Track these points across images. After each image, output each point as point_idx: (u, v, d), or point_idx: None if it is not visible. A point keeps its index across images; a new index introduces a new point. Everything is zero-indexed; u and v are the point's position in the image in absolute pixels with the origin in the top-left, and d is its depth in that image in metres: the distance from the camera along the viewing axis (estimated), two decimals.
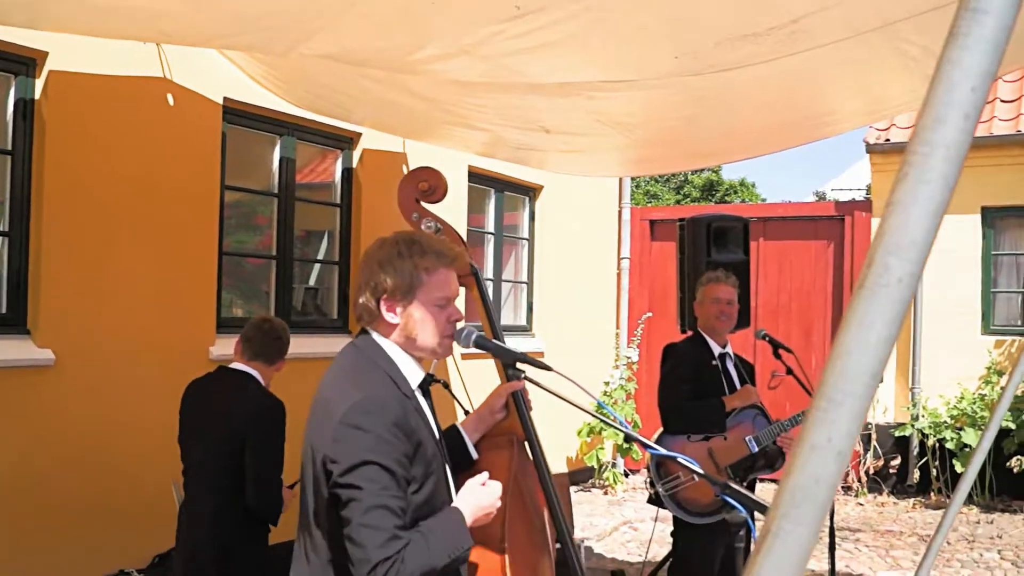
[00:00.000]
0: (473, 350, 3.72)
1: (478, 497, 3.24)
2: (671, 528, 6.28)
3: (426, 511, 3.08)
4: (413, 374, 3.25)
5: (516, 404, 3.89)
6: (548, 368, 3.60)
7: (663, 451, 3.65)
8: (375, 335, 3.26)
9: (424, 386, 3.33)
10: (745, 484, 5.92)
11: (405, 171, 9.39)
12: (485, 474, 3.34)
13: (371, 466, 2.89)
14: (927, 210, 1.62)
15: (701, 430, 5.94)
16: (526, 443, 3.89)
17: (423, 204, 4.36)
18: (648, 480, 6.14)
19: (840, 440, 1.64)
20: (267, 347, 5.41)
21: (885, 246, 1.65)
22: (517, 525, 3.47)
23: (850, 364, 1.65)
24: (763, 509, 3.11)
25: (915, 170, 1.62)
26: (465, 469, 3.53)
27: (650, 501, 6.05)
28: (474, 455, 3.73)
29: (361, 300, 3.23)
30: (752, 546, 6.19)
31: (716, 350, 6.20)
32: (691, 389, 6.03)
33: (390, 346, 3.24)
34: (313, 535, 3.08)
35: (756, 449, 5.97)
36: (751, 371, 6.48)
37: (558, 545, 3.88)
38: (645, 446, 3.61)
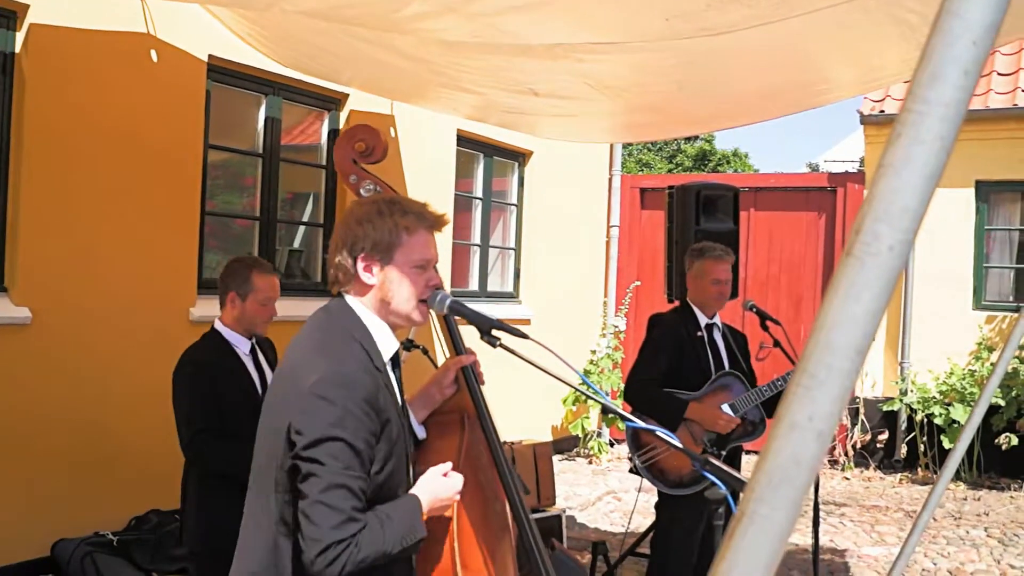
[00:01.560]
0: (448, 314, 3.62)
1: (436, 487, 3.17)
2: (655, 500, 6.22)
3: (384, 492, 3.01)
4: (387, 344, 3.15)
5: (466, 379, 3.73)
6: (525, 336, 3.49)
7: (641, 423, 3.56)
8: (349, 299, 3.15)
9: (395, 358, 3.23)
10: (724, 453, 5.86)
11: (393, 134, 9.30)
12: (448, 464, 3.26)
13: (336, 442, 2.81)
14: (922, 174, 1.50)
15: (650, 415, 5.82)
16: (478, 420, 3.74)
17: (361, 166, 4.13)
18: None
19: (822, 419, 1.53)
20: (219, 289, 5.25)
21: (875, 212, 1.54)
22: (469, 506, 3.35)
23: (835, 338, 1.54)
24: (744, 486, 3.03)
25: (910, 130, 1.51)
26: (413, 448, 3.43)
27: (632, 471, 6.02)
28: (420, 433, 3.62)
29: (338, 259, 3.11)
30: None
31: (703, 321, 6.14)
32: (669, 363, 5.97)
33: (364, 312, 3.13)
34: (270, 502, 2.99)
35: (733, 416, 5.92)
36: (742, 341, 6.44)
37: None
38: (623, 418, 3.54)
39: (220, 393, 4.94)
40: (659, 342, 6.09)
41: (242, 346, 5.14)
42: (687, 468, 5.79)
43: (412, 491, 3.13)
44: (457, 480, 3.22)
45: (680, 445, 3.53)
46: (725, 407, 5.93)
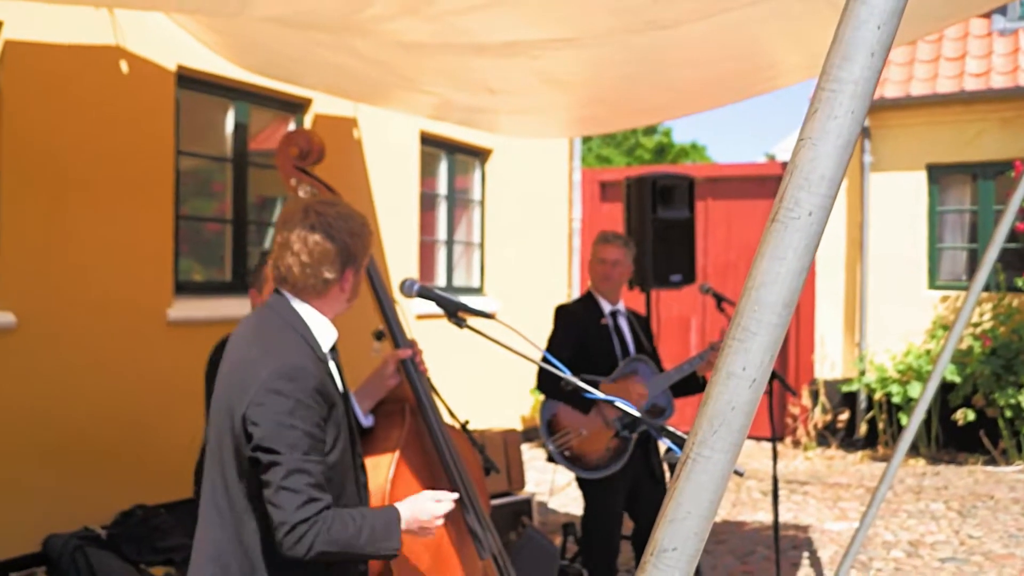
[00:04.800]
0: (421, 303, 3.83)
1: (419, 506, 3.30)
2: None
3: (334, 473, 3.17)
4: (327, 336, 3.33)
5: (406, 372, 3.95)
6: (490, 316, 3.72)
7: (602, 395, 3.72)
8: (290, 297, 3.30)
9: (334, 347, 3.39)
10: (636, 435, 5.96)
11: (356, 135, 9.49)
12: (442, 492, 3.39)
13: (292, 431, 2.99)
14: (836, 145, 1.79)
15: (563, 401, 5.97)
16: (420, 411, 3.97)
17: (301, 168, 4.23)
18: (542, 439, 6.17)
19: (754, 369, 1.81)
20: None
21: (796, 181, 1.82)
22: (412, 492, 3.51)
23: (763, 295, 1.82)
24: None
25: (824, 106, 1.79)
26: (360, 436, 3.59)
27: (549, 459, 6.07)
28: (365, 423, 3.83)
29: (326, 274, 3.25)
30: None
31: (607, 308, 6.25)
32: (577, 352, 6.01)
33: (304, 307, 3.29)
34: (231, 493, 3.15)
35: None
36: (645, 324, 6.55)
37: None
38: (583, 391, 3.70)
39: None
40: (564, 332, 6.20)
41: None
42: (598, 452, 5.92)
43: (395, 505, 3.29)
44: (443, 506, 3.34)
45: (639, 414, 3.75)
46: None
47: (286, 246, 3.24)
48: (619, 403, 3.69)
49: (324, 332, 3.30)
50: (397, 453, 3.73)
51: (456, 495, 3.45)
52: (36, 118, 6.78)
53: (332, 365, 3.34)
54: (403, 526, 3.22)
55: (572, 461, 5.96)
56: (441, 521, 3.35)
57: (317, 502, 2.96)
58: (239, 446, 3.07)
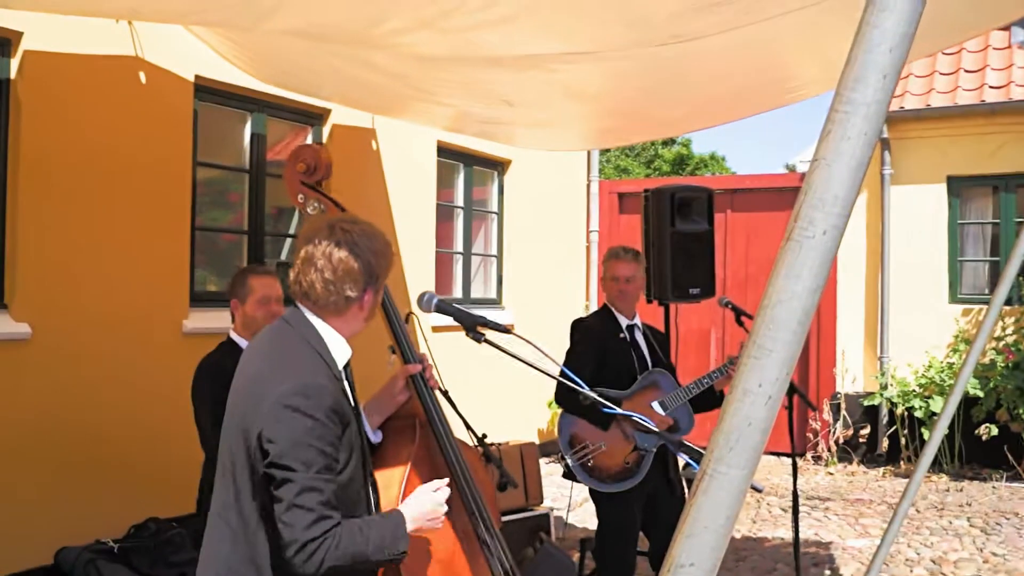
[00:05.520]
0: (437, 316, 3.80)
1: (421, 501, 3.35)
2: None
3: (347, 492, 3.17)
4: (342, 353, 3.31)
5: (416, 387, 3.91)
6: (508, 331, 3.69)
7: (619, 410, 3.72)
8: (308, 313, 3.28)
9: (347, 364, 3.37)
10: (655, 450, 5.94)
11: (374, 146, 9.48)
12: (437, 481, 3.44)
13: (308, 449, 2.98)
14: (849, 165, 1.77)
15: (582, 417, 5.95)
16: (430, 427, 3.93)
17: (308, 184, 4.13)
18: (559, 454, 6.15)
19: (770, 385, 1.80)
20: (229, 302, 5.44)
21: (810, 201, 1.81)
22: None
23: (779, 313, 1.81)
24: None
25: (837, 128, 1.77)
26: (369, 452, 3.57)
27: (565, 476, 6.05)
28: (375, 439, 3.80)
29: (348, 292, 3.24)
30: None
31: (624, 322, 6.23)
32: (597, 366, 6.03)
33: (322, 324, 3.28)
34: (243, 510, 3.12)
35: (663, 413, 6.00)
36: (663, 340, 6.56)
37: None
38: (602, 406, 3.69)
39: None
40: (583, 346, 6.19)
41: None
42: (617, 464, 5.90)
43: (398, 507, 3.31)
44: (442, 494, 3.40)
45: (657, 429, 3.72)
46: (655, 405, 6.01)
47: (310, 262, 3.22)
48: (636, 418, 3.67)
49: (340, 350, 3.28)
50: (408, 469, 3.70)
51: (447, 480, 3.47)
52: (54, 129, 6.80)
53: (346, 383, 3.33)
54: (411, 526, 3.24)
55: (591, 474, 5.94)
56: (445, 508, 3.39)
57: (328, 520, 2.95)
58: (254, 463, 3.06)
